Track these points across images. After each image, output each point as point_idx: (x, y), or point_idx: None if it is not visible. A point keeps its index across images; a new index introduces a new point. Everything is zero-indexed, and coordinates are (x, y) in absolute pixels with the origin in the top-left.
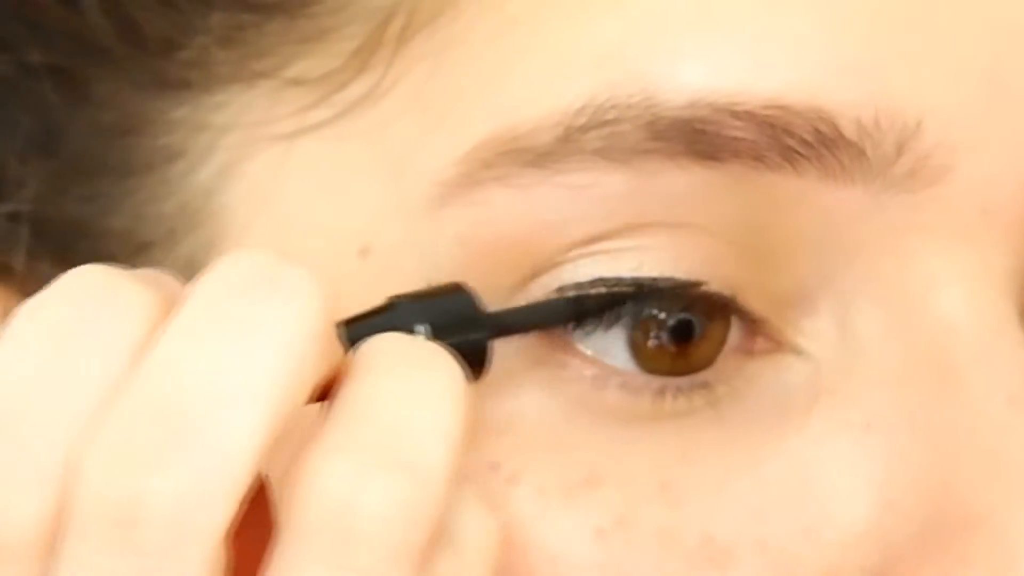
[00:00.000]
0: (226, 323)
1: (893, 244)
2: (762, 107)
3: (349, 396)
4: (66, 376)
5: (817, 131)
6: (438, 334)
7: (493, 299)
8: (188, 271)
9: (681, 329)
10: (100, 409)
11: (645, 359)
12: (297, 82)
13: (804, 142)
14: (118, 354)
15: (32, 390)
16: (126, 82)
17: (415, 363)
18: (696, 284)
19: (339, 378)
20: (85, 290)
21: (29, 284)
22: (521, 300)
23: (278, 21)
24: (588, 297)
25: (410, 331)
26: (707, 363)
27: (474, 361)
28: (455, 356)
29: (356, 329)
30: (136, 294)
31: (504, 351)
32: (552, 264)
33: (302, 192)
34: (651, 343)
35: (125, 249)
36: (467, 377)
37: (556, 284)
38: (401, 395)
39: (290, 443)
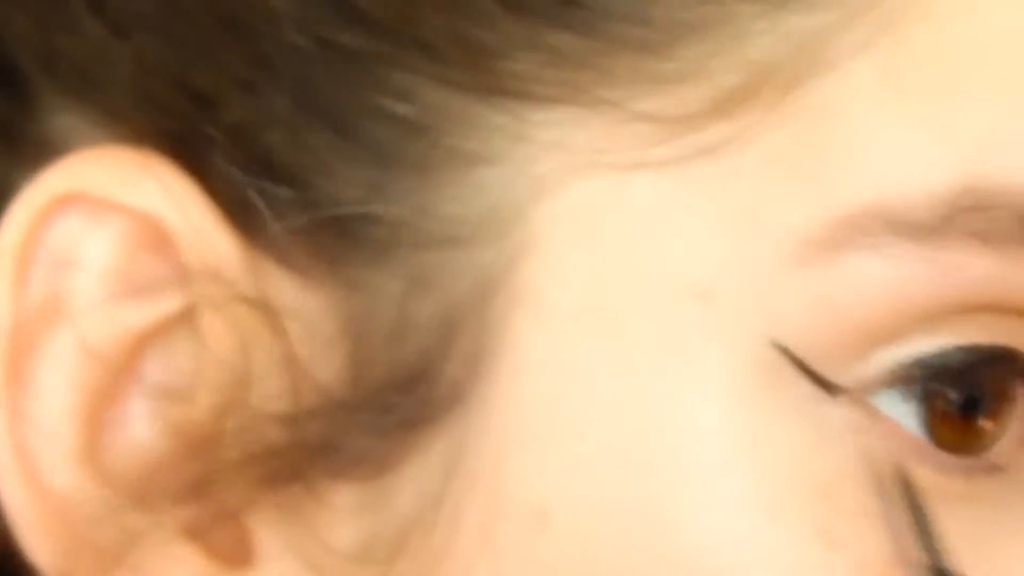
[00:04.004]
0: None
1: None
2: None
3: None
4: None
5: None
6: None
7: (825, 364)
8: (481, 279)
9: (969, 403)
10: None
11: (936, 430)
12: (646, 117)
13: None
14: None
15: None
16: (438, 79)
17: None
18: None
19: None
20: None
21: (295, 257)
22: (858, 371)
23: (636, 56)
24: None
25: None
26: (991, 442)
27: None
28: None
29: None
30: None
31: (829, 413)
32: (893, 337)
33: (633, 226)
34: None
35: (410, 240)
36: None
37: (893, 362)
38: None
39: None
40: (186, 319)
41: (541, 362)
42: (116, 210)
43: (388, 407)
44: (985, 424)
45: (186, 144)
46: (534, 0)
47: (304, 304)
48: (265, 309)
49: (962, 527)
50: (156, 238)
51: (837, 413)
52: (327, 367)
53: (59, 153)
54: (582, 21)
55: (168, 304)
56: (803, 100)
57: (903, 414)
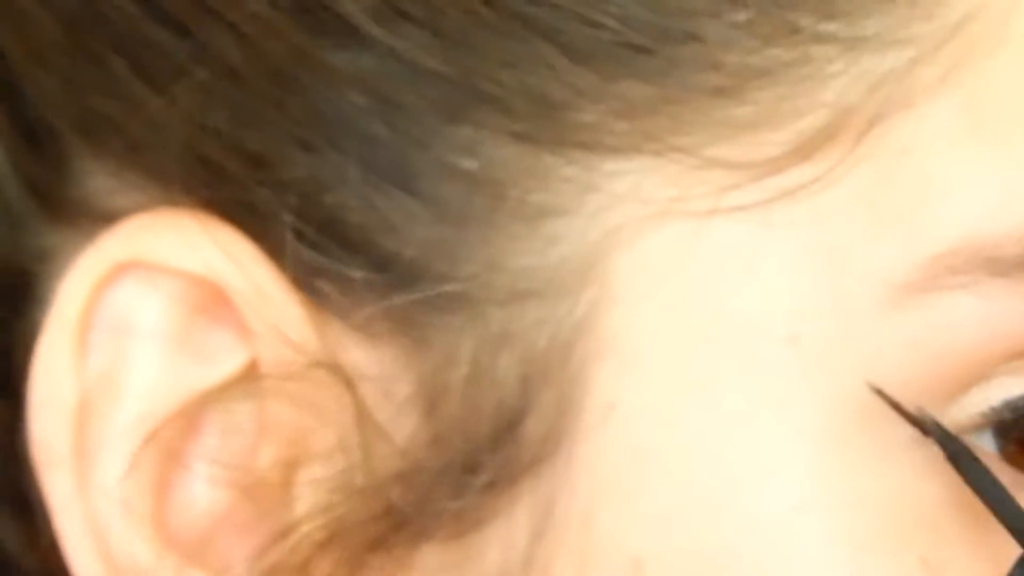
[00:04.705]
0: None
1: None
2: None
3: None
4: None
5: None
6: None
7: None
8: (560, 332)
9: None
10: None
11: (1010, 458)
12: (721, 163)
13: None
14: None
15: None
16: (504, 132)
17: None
18: None
19: None
20: None
21: (362, 318)
22: (953, 415)
23: (708, 102)
24: None
25: None
26: None
27: None
28: None
29: None
30: None
31: (927, 452)
32: (980, 377)
33: (715, 272)
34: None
35: (482, 296)
36: None
37: (985, 406)
38: None
39: None
40: (248, 381)
41: (627, 412)
42: (171, 274)
43: (472, 468)
44: None
45: (244, 206)
46: (602, 50)
47: (375, 365)
48: (336, 371)
49: None
50: (215, 301)
51: (935, 452)
52: (404, 430)
53: (99, 215)
54: (651, 69)
55: (229, 366)
56: (883, 140)
57: (981, 441)
